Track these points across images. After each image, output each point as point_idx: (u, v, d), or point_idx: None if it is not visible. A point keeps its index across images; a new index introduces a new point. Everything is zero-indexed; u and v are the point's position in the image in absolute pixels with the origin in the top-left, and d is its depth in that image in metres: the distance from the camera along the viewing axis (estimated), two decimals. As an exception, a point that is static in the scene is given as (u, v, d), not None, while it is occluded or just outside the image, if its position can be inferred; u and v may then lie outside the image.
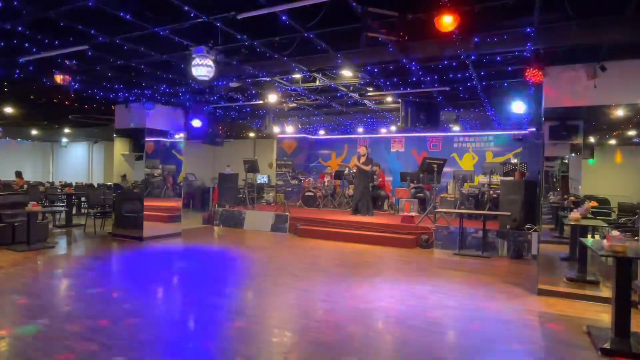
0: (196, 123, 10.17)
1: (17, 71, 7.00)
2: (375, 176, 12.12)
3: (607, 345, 3.53)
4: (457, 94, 8.63)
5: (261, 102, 9.45)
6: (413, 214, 9.47)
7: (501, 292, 5.41)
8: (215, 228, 11.00)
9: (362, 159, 10.24)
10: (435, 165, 9.29)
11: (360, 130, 14.14)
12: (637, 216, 7.49)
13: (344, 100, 9.74)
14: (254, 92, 9.08)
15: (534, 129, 11.58)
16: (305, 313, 4.53)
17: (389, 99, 9.27)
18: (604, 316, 4.42)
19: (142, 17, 5.03)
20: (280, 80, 7.94)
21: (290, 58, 6.27)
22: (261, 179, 15.72)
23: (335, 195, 12.98)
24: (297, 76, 7.70)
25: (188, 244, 8.62)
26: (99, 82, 8.08)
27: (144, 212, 8.78)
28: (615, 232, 3.92)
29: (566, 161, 5.82)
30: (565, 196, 5.82)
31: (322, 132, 15.19)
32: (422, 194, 11.08)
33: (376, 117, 11.95)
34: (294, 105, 10.35)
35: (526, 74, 5.54)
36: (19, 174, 12.01)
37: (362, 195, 10.21)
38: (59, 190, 12.66)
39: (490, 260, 7.42)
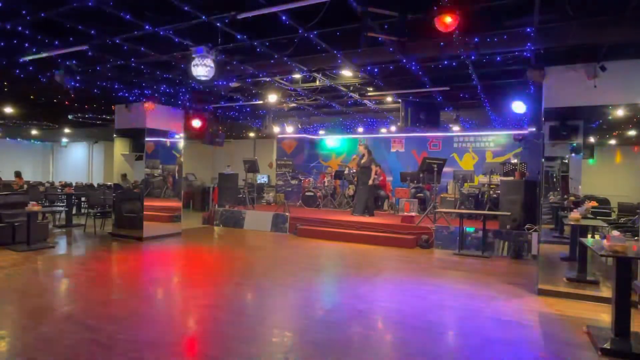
0: (196, 123, 10.18)
1: (18, 71, 7.00)
2: (375, 176, 12.11)
3: (607, 345, 3.53)
4: (457, 94, 8.63)
5: (261, 102, 9.46)
6: (413, 214, 9.47)
7: (501, 292, 5.41)
8: (215, 228, 11.00)
9: (365, 159, 10.19)
10: (435, 165, 9.29)
11: (360, 130, 14.14)
12: (637, 216, 7.49)
13: (344, 100, 9.74)
14: (254, 92, 9.09)
15: (534, 129, 11.57)
16: (305, 313, 4.53)
17: (389, 99, 9.27)
18: (604, 316, 4.42)
19: (142, 17, 5.03)
20: (280, 80, 7.94)
21: (290, 58, 6.28)
22: (261, 179, 15.72)
23: (335, 195, 12.97)
24: (297, 76, 7.70)
25: (188, 244, 8.62)
26: (99, 82, 8.08)
27: (144, 212, 8.78)
28: (615, 232, 3.91)
29: (566, 161, 5.82)
30: (565, 196, 5.82)
31: (322, 132, 15.18)
32: (422, 194, 11.07)
33: (376, 117, 11.95)
34: (294, 105, 10.35)
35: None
36: (18, 174, 12.01)
37: (369, 195, 10.18)
38: (59, 190, 12.66)
39: (490, 260, 7.42)
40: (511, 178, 9.31)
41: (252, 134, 16.73)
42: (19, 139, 18.97)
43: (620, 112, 5.86)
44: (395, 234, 8.77)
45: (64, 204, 11.40)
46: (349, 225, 9.41)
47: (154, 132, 9.05)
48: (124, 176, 9.42)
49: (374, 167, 10.14)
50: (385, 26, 5.07)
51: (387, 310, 4.63)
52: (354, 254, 7.84)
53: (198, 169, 16.88)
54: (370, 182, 10.05)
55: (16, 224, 7.67)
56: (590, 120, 7.02)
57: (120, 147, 9.51)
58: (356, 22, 4.98)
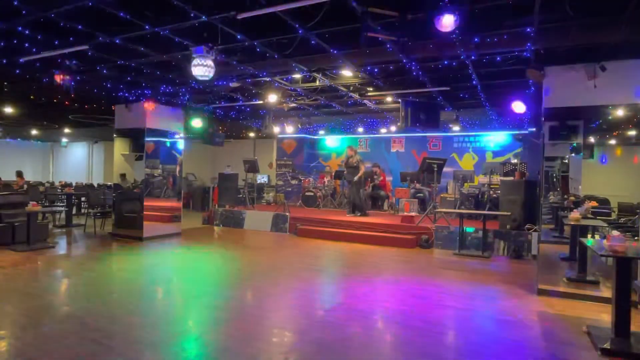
0: (196, 123, 10.19)
1: (18, 71, 7.00)
2: (375, 176, 12.13)
3: (607, 345, 3.53)
4: (457, 94, 8.64)
5: (261, 102, 9.46)
6: (413, 214, 9.47)
7: (501, 292, 5.41)
8: (215, 228, 11.00)
9: (352, 160, 10.16)
10: (435, 165, 9.29)
11: (360, 130, 14.14)
12: (637, 216, 7.49)
13: (344, 100, 9.74)
14: (254, 92, 9.09)
15: (534, 129, 11.57)
16: (305, 313, 4.53)
17: (389, 99, 9.27)
18: (604, 316, 4.42)
19: (142, 17, 5.03)
20: (280, 80, 7.95)
21: (290, 58, 6.28)
22: (261, 179, 15.72)
23: (335, 195, 12.97)
24: (297, 76, 7.70)
25: (188, 244, 8.62)
26: (99, 82, 8.08)
27: (144, 212, 8.78)
28: (615, 232, 3.91)
29: (566, 161, 5.82)
30: (565, 196, 5.82)
31: (322, 132, 15.18)
32: (422, 194, 11.07)
33: (376, 117, 11.96)
34: (294, 105, 10.35)
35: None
36: (19, 174, 12.01)
37: (356, 194, 10.17)
38: (59, 190, 12.66)
39: (490, 260, 7.42)
40: (511, 178, 9.30)
41: (252, 134, 16.73)
42: (19, 139, 18.96)
43: (620, 112, 5.85)
44: (395, 234, 8.77)
45: (64, 204, 11.40)
46: (348, 225, 9.41)
47: (154, 132, 9.05)
48: (122, 176, 9.41)
49: (362, 166, 10.21)
50: (386, 26, 5.07)
51: (387, 310, 4.63)
52: (354, 254, 7.84)
53: (198, 169, 16.88)
54: (356, 178, 10.04)
55: (16, 224, 7.66)
56: (590, 120, 7.01)
57: (120, 147, 9.51)
58: (356, 22, 4.99)
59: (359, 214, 10.03)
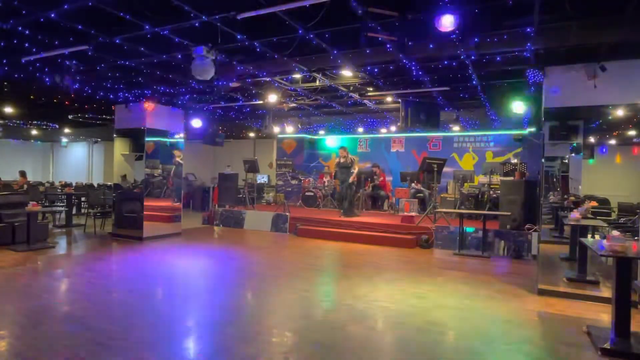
0: (196, 123, 10.18)
1: (18, 71, 7.00)
2: (375, 176, 12.13)
3: (607, 345, 3.53)
4: (457, 94, 8.64)
5: (261, 102, 9.46)
6: (413, 214, 9.47)
7: (501, 292, 5.40)
8: (215, 228, 11.00)
9: (346, 160, 10.13)
10: (435, 165, 9.29)
11: (360, 130, 14.13)
12: (637, 216, 7.49)
13: (344, 100, 9.74)
14: (254, 92, 9.09)
15: (534, 129, 11.57)
16: (305, 313, 4.53)
17: (389, 99, 9.27)
18: (604, 316, 4.42)
19: (142, 17, 5.03)
20: (280, 80, 7.95)
21: (290, 58, 6.28)
22: (261, 179, 15.72)
23: (335, 195, 12.96)
24: (297, 76, 7.70)
25: (188, 244, 8.62)
26: (99, 82, 8.08)
27: (144, 212, 8.78)
28: (615, 232, 3.92)
29: (566, 161, 5.82)
30: (565, 196, 5.82)
31: (322, 132, 15.18)
32: (422, 194, 11.08)
33: (376, 117, 11.96)
34: (294, 105, 10.35)
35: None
36: (22, 174, 12.00)
37: (348, 194, 10.17)
38: (59, 190, 12.65)
39: (490, 260, 7.42)
40: (511, 178, 9.31)
41: (252, 134, 16.74)
42: (19, 139, 18.95)
43: (620, 112, 5.85)
44: (395, 234, 8.77)
45: (64, 204, 11.40)
46: (348, 225, 9.41)
47: (154, 132, 9.05)
48: (123, 177, 9.42)
49: (357, 166, 10.24)
50: (386, 26, 5.07)
51: (387, 310, 4.62)
52: (354, 254, 7.83)
53: (198, 169, 16.88)
54: (351, 179, 10.02)
55: (16, 224, 7.67)
56: (590, 120, 7.01)
57: (120, 147, 9.51)
58: (356, 22, 4.99)
59: (349, 215, 9.98)
